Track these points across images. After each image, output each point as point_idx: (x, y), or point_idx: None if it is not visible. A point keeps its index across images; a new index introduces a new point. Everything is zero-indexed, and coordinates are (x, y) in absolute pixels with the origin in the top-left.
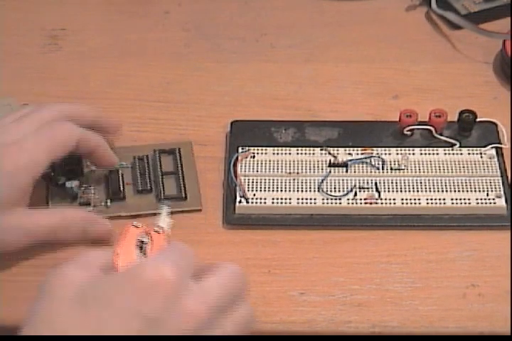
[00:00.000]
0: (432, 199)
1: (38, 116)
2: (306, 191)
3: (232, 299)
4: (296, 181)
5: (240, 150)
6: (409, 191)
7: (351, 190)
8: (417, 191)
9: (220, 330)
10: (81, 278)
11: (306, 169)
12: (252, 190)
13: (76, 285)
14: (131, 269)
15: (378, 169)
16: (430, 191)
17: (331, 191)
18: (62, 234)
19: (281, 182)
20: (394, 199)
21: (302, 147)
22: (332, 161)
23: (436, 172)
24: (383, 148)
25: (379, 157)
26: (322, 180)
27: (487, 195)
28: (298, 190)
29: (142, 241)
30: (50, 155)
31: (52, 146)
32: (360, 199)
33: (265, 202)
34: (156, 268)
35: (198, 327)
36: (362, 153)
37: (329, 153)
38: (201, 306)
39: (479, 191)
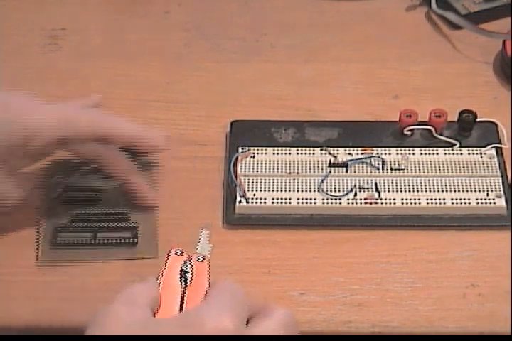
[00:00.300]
0: (431, 199)
1: None
2: (306, 191)
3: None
4: (296, 181)
5: (240, 150)
6: (409, 191)
7: (351, 190)
8: (417, 191)
9: None
10: (131, 319)
11: (306, 169)
12: (252, 190)
13: (127, 324)
14: (190, 318)
15: (378, 169)
16: (430, 191)
17: (331, 191)
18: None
19: (281, 182)
20: (394, 199)
21: (302, 147)
22: (332, 161)
23: (436, 172)
24: (383, 148)
25: (379, 157)
26: (322, 180)
27: (487, 195)
28: (298, 190)
29: (185, 271)
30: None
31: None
32: (360, 199)
33: (265, 202)
34: (217, 318)
35: None
36: (362, 153)
37: (329, 153)
38: None
39: (479, 191)
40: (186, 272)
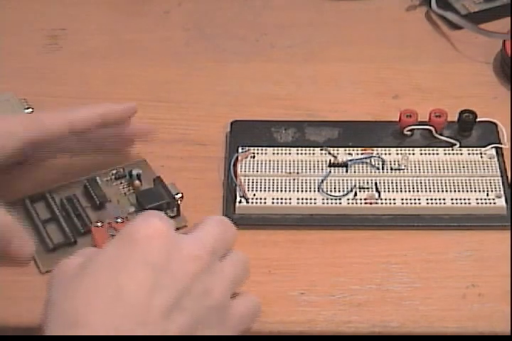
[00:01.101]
0: (431, 199)
1: None
2: (306, 191)
3: (225, 244)
4: (296, 181)
5: (240, 150)
6: (409, 191)
7: (351, 190)
8: (417, 191)
9: (222, 274)
10: (78, 261)
11: (306, 169)
12: (252, 190)
13: (76, 265)
14: (124, 230)
15: (378, 169)
16: (430, 191)
17: (331, 191)
18: None
19: (281, 182)
20: (394, 199)
21: (302, 147)
22: (332, 161)
23: (436, 172)
24: (383, 148)
25: (379, 157)
26: (322, 180)
27: (487, 195)
28: (298, 190)
29: (113, 235)
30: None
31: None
32: (360, 199)
33: (265, 202)
34: (146, 222)
35: (201, 269)
36: (362, 153)
37: (329, 153)
38: (201, 250)
39: (479, 191)
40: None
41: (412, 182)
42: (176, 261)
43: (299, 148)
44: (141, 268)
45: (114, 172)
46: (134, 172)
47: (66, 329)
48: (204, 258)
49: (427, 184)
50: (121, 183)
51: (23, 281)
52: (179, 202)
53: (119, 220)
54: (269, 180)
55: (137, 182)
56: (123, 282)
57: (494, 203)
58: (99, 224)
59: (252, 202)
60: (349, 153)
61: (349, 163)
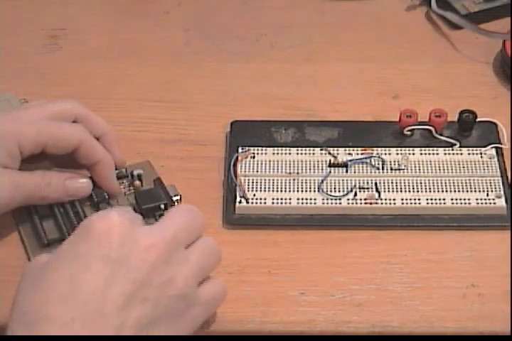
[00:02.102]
0: (431, 199)
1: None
2: (306, 191)
3: (191, 233)
4: (296, 181)
5: (239, 150)
6: (409, 191)
7: (351, 190)
8: (417, 191)
9: (186, 262)
10: (44, 259)
11: (306, 169)
12: (252, 190)
13: (41, 263)
14: (81, 225)
15: (378, 169)
16: (430, 191)
17: (330, 191)
18: (46, 188)
19: (281, 183)
20: (394, 199)
21: (302, 147)
22: (332, 161)
23: (436, 172)
24: (383, 148)
25: (379, 157)
26: (322, 180)
27: (487, 195)
28: (298, 190)
29: None
30: (40, 142)
31: (49, 136)
32: (360, 199)
33: (265, 202)
34: (102, 216)
35: (161, 257)
36: (362, 153)
37: (329, 153)
38: (159, 239)
39: (479, 191)
40: None
41: (412, 182)
42: (133, 253)
43: (299, 148)
44: (97, 260)
45: (116, 171)
46: (135, 172)
47: (27, 328)
48: (161, 248)
49: (427, 184)
50: (122, 183)
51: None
52: (176, 204)
53: None
54: (269, 180)
55: (137, 182)
56: (79, 275)
57: (494, 203)
58: None
59: (252, 202)
60: (349, 153)
61: (349, 163)
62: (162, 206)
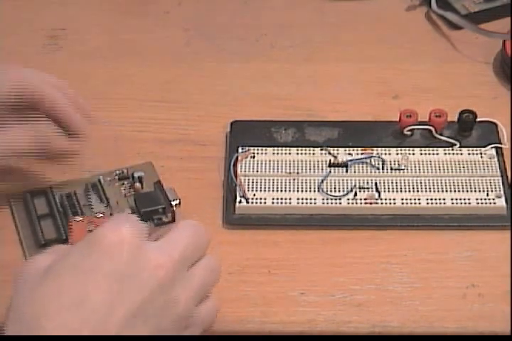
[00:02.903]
0: (431, 199)
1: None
2: (306, 191)
3: (196, 251)
4: (296, 181)
5: (239, 150)
6: (409, 191)
7: (351, 190)
8: (417, 191)
9: (189, 283)
10: (46, 261)
11: (306, 169)
12: (252, 190)
13: (42, 266)
14: (92, 235)
15: (378, 169)
16: (430, 191)
17: (331, 191)
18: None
19: (281, 182)
20: (394, 199)
21: (302, 147)
22: (332, 161)
23: (436, 172)
24: (383, 148)
25: (379, 157)
26: (322, 180)
27: (487, 195)
28: (298, 190)
29: (91, 231)
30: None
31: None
32: (360, 199)
33: (265, 202)
34: (114, 230)
35: (167, 278)
36: (362, 153)
37: (329, 153)
38: (166, 258)
39: (479, 191)
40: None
41: (412, 182)
42: (141, 271)
43: (299, 148)
44: (104, 276)
45: (118, 172)
46: (136, 174)
47: (23, 333)
48: (170, 268)
49: (427, 184)
50: (123, 184)
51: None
52: (175, 208)
53: (100, 215)
54: (269, 180)
55: (138, 184)
56: (85, 289)
57: (494, 203)
58: (78, 218)
59: (252, 202)
60: (349, 153)
61: (349, 163)
62: (161, 210)
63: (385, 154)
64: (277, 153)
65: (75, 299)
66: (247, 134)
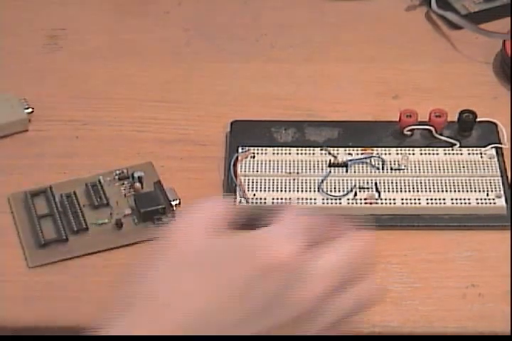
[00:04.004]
0: (431, 199)
1: None
2: (306, 191)
3: (354, 274)
4: (296, 181)
5: (239, 150)
6: (409, 191)
7: (351, 190)
8: (417, 191)
9: (340, 308)
10: (188, 243)
11: (306, 169)
12: (252, 190)
13: (191, 250)
14: (247, 241)
15: (378, 169)
16: (430, 191)
17: (331, 191)
18: None
19: (281, 182)
20: (394, 199)
21: (302, 147)
22: (332, 161)
23: (436, 172)
24: (383, 148)
25: (379, 157)
26: (322, 180)
27: (487, 195)
28: (298, 190)
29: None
30: None
31: None
32: (360, 199)
33: (265, 202)
34: (280, 246)
35: (316, 305)
36: (362, 153)
37: (329, 153)
38: (320, 285)
39: (479, 191)
40: None
41: (412, 182)
42: (290, 296)
43: (299, 148)
44: (252, 290)
45: (117, 172)
46: (136, 174)
47: (153, 310)
48: (321, 294)
49: (427, 184)
50: (123, 184)
51: (23, 281)
52: (175, 208)
53: None
54: (269, 180)
55: (138, 184)
56: (216, 300)
57: (494, 203)
58: None
59: (252, 202)
60: (349, 153)
61: (349, 163)
62: (161, 210)
63: (385, 154)
64: (277, 153)
65: (213, 300)
66: (247, 134)
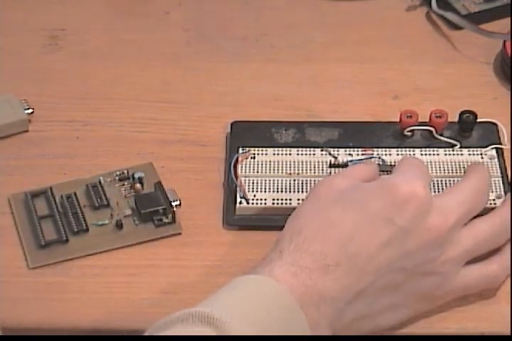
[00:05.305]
0: None
1: None
2: (307, 192)
3: (472, 214)
4: (296, 182)
5: (240, 150)
6: None
7: None
8: None
9: (456, 245)
10: (344, 185)
11: (306, 170)
12: (253, 191)
13: (338, 190)
14: (387, 182)
15: (379, 170)
16: (431, 191)
17: None
18: None
19: (282, 183)
20: None
21: (302, 148)
22: (332, 162)
23: (436, 172)
24: (383, 149)
25: (379, 158)
26: None
27: None
28: (298, 191)
29: None
30: None
31: None
32: None
33: (265, 203)
34: (410, 183)
35: (437, 241)
36: (362, 154)
37: (329, 154)
38: (443, 223)
39: None
40: None
41: None
42: (417, 229)
43: (300, 149)
44: (383, 221)
45: (118, 173)
46: (137, 175)
47: (293, 243)
48: (442, 231)
49: None
50: (123, 185)
51: (23, 282)
52: (175, 209)
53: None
54: (270, 180)
55: (138, 185)
56: (362, 227)
57: (494, 204)
58: None
59: (253, 203)
60: (349, 154)
61: (349, 163)
62: (161, 210)
63: (386, 155)
64: (277, 154)
65: (351, 234)
66: (248, 135)
